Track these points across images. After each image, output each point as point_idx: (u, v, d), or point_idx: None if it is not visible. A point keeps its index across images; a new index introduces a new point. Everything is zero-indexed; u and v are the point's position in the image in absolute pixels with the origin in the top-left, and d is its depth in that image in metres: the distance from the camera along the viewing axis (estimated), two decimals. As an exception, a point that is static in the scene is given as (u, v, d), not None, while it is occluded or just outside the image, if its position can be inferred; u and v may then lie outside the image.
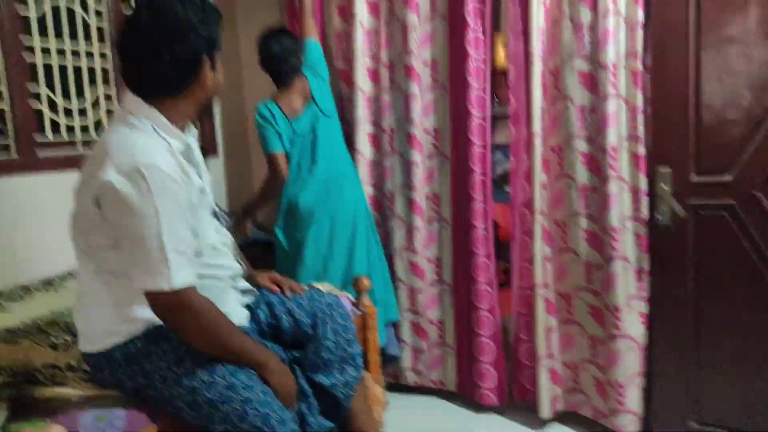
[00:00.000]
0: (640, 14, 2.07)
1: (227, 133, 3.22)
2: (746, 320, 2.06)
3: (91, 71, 2.63)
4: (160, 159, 1.29)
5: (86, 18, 2.60)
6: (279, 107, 2.44)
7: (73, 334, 1.82)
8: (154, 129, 1.35)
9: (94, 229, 1.35)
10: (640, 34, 2.08)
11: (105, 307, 1.41)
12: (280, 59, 2.41)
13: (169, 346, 1.41)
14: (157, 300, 1.31)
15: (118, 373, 1.43)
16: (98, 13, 2.66)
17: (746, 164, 1.98)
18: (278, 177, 2.46)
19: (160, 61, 1.31)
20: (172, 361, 1.39)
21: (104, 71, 2.69)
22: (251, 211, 2.69)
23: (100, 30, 2.63)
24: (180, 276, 1.29)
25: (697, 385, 2.17)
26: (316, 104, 2.49)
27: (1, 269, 2.29)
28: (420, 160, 2.59)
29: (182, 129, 1.42)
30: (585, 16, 2.16)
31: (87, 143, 2.52)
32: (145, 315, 1.38)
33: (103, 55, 2.66)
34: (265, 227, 2.90)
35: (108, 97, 2.69)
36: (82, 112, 2.59)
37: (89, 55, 2.62)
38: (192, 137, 1.51)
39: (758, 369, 2.06)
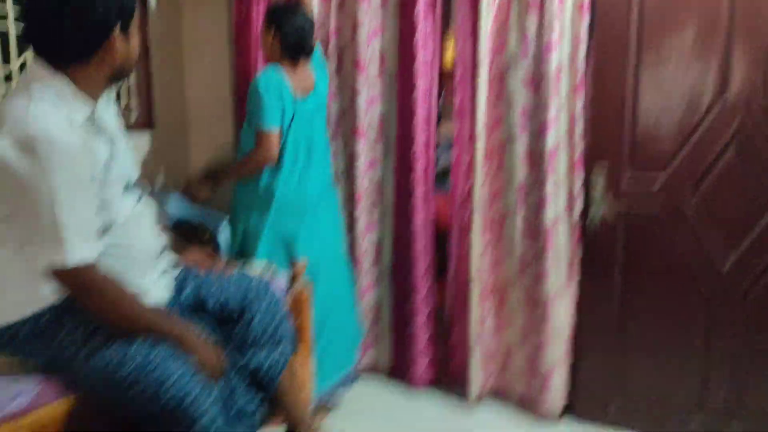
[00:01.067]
0: (584, 27, 2.19)
1: (165, 107, 3.12)
2: (667, 317, 2.25)
3: (21, 37, 2.47)
4: (57, 130, 1.23)
5: None
6: (288, 81, 2.24)
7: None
8: (57, 97, 1.29)
9: None
10: (583, 45, 2.20)
11: (11, 279, 1.35)
12: (306, 33, 2.26)
13: (81, 319, 1.37)
14: (56, 276, 1.29)
15: (24, 350, 1.38)
16: None
17: (674, 174, 2.16)
18: (268, 158, 2.22)
19: (64, 25, 1.26)
20: (83, 336, 1.36)
21: None
22: (218, 180, 2.45)
23: None
24: (76, 254, 1.27)
25: (621, 370, 2.35)
26: (320, 96, 2.38)
27: None
28: (364, 149, 2.63)
29: (94, 97, 1.37)
30: (531, 23, 2.26)
31: None
32: (55, 288, 1.35)
33: None
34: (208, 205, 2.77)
35: None
36: (7, 78, 2.44)
37: (18, 20, 2.46)
38: (107, 105, 1.46)
39: (676, 361, 2.26)
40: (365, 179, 2.66)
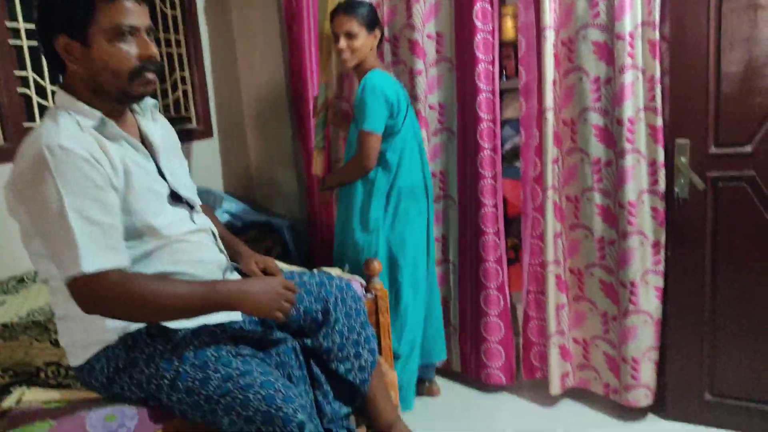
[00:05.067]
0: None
1: (222, 114, 3.12)
2: (762, 291, 2.04)
3: (170, 56, 2.61)
4: (66, 137, 1.20)
5: (163, 8, 2.57)
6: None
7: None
8: (68, 110, 1.27)
9: (27, 235, 1.27)
10: (657, 1, 2.01)
11: (75, 320, 1.32)
12: None
13: (152, 349, 1.33)
14: (75, 288, 1.19)
15: (113, 387, 1.35)
16: (172, 3, 2.66)
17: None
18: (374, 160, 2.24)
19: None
20: (160, 366, 1.31)
21: (179, 56, 2.75)
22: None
23: (174, 18, 2.67)
24: (95, 260, 1.18)
25: (712, 357, 2.16)
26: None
27: (-6, 260, 2.21)
28: (425, 137, 2.51)
29: (102, 108, 1.30)
30: (600, -17, 2.09)
31: (170, 120, 2.54)
32: (115, 323, 1.30)
33: (177, 43, 2.72)
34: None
35: (183, 80, 2.75)
36: (164, 93, 2.56)
37: (167, 42, 2.59)
38: (149, 118, 1.44)
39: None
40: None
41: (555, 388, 2.39)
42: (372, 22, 2.22)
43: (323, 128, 2.50)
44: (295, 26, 2.72)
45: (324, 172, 2.54)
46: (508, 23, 2.43)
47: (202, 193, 2.90)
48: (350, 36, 2.19)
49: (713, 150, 2.03)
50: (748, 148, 1.98)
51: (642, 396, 2.24)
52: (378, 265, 2.08)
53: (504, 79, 2.48)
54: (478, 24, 2.30)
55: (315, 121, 2.51)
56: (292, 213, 3.15)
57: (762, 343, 2.06)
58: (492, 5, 2.32)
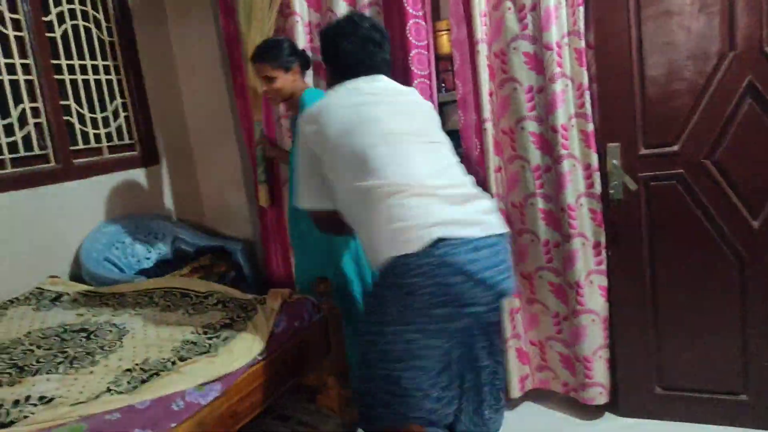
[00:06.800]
0: (580, -9, 2.08)
1: (166, 140, 3.09)
2: (697, 284, 2.12)
3: (109, 83, 2.81)
4: None
5: (100, 35, 2.81)
6: None
7: (18, 367, 1.70)
8: None
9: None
10: (581, 11, 2.09)
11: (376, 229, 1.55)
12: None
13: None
14: None
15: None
16: (109, 30, 2.91)
17: (692, 133, 2.02)
18: None
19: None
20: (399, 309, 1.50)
21: (119, 82, 2.90)
22: None
23: (111, 45, 2.86)
24: None
25: (658, 352, 2.22)
26: None
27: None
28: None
29: None
30: (525, -2, 2.15)
31: (112, 149, 2.82)
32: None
33: (116, 69, 2.91)
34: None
35: (124, 107, 2.92)
36: (105, 122, 2.83)
37: (106, 69, 2.83)
38: None
39: (713, 331, 2.12)
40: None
41: (514, 390, 2.43)
42: (287, 62, 2.24)
43: (263, 162, 2.63)
44: (236, 50, 2.72)
45: (269, 203, 2.69)
46: (444, 38, 2.47)
47: (153, 221, 2.88)
48: (269, 80, 2.24)
49: (643, 151, 2.10)
50: (676, 148, 2.05)
51: (597, 394, 2.29)
52: (326, 285, 2.08)
53: (443, 91, 2.52)
54: (413, 40, 2.34)
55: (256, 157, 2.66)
56: (244, 235, 3.13)
57: (700, 335, 2.14)
58: (426, 21, 2.36)
